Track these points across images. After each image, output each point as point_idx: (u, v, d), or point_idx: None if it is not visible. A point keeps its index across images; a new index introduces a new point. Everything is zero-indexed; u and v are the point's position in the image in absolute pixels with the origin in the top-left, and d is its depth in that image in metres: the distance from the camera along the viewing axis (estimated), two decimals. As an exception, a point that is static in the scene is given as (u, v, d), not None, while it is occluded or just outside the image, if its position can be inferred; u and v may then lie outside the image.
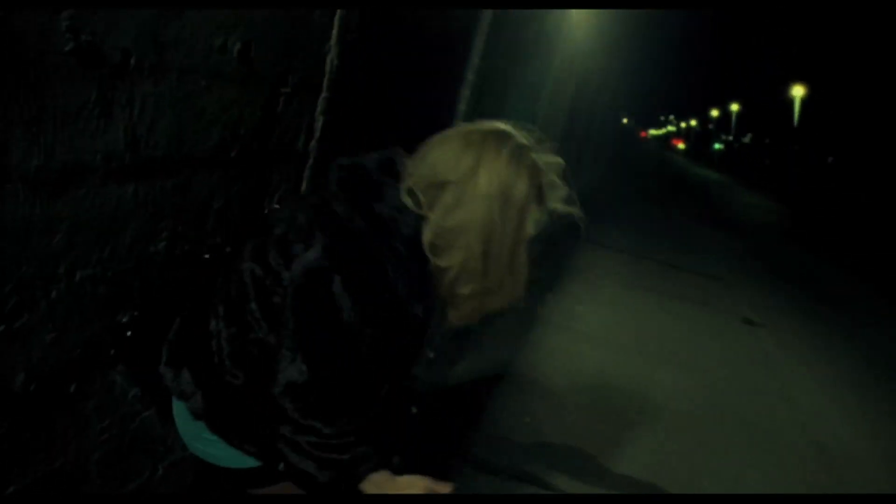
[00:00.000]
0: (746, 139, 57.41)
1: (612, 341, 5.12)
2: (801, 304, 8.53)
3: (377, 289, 1.02)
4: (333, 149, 1.75)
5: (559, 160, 1.22)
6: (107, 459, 1.29)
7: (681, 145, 74.30)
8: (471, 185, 1.11)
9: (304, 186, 1.69)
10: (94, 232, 1.08)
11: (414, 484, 1.12)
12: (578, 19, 5.44)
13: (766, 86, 45.45)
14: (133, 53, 1.05)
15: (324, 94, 1.65)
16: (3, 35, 0.84)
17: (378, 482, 1.11)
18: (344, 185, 1.09)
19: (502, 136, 1.15)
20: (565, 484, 3.02)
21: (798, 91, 37.05)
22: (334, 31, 1.61)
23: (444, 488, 1.15)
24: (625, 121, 28.04)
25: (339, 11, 1.59)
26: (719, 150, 61.16)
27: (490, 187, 1.11)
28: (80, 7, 0.92)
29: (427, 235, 1.08)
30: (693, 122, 77.32)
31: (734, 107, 56.07)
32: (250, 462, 1.15)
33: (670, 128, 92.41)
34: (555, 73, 5.10)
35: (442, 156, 1.14)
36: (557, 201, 1.21)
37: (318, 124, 1.67)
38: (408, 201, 1.08)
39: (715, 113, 64.70)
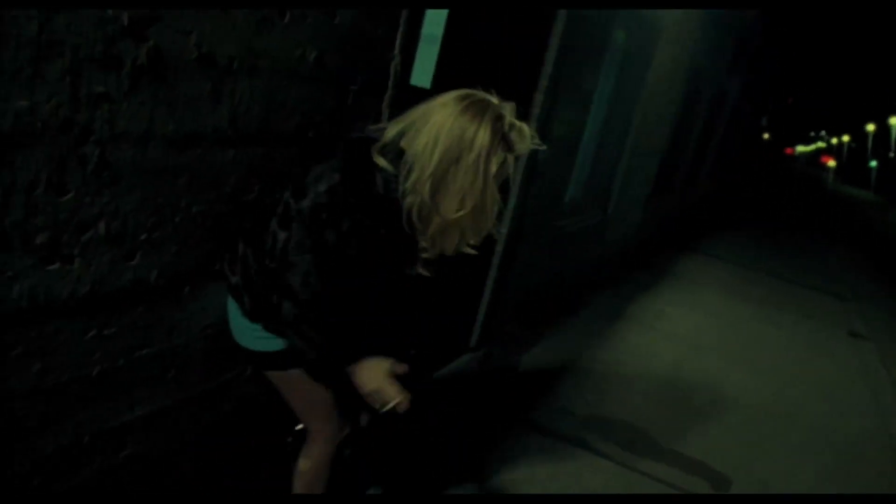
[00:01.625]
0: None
1: (694, 341, 5.28)
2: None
3: (351, 220, 1.45)
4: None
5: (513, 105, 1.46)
6: (207, 350, 1.81)
7: (831, 163, 69.37)
8: (421, 142, 1.40)
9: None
10: (206, 180, 1.60)
11: (374, 370, 1.54)
12: (678, 32, 5.63)
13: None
14: (236, 59, 1.55)
15: (389, 92, 2.11)
16: (156, 53, 1.35)
17: (356, 368, 1.55)
18: (344, 154, 1.48)
19: (465, 97, 1.43)
20: (613, 451, 3.32)
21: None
22: (397, 43, 2.07)
23: (401, 368, 1.56)
24: (766, 136, 26.81)
25: (400, 28, 2.05)
26: (875, 168, 56.67)
27: (442, 142, 1.39)
28: (206, 27, 1.43)
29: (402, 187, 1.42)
30: (846, 138, 72.04)
31: (893, 120, 51.78)
32: (274, 347, 1.63)
33: (820, 144, 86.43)
34: (650, 84, 5.32)
35: (412, 119, 1.46)
36: (524, 144, 1.44)
37: (385, 115, 2.13)
38: (380, 161, 1.45)
39: (871, 127, 59.93)
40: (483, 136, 1.38)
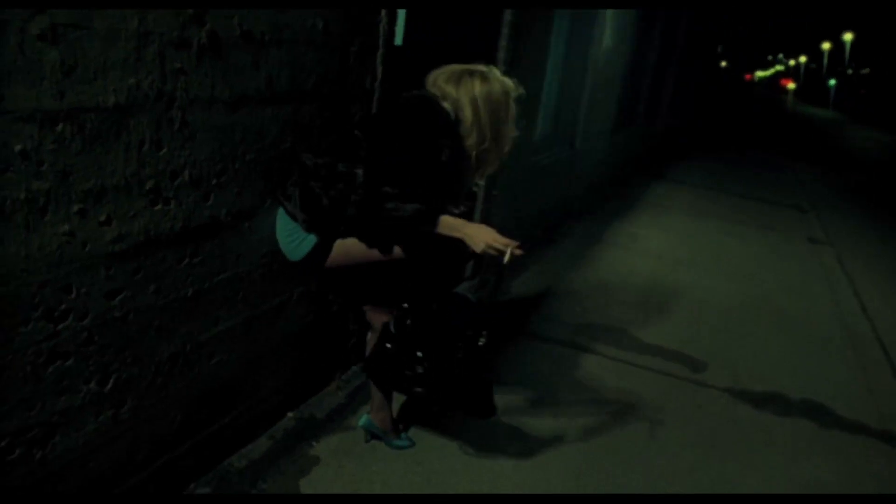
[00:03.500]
0: (865, 71, 53.72)
1: (666, 256, 5.78)
2: (877, 229, 8.69)
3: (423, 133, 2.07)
4: (391, 86, 2.61)
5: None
6: (264, 276, 2.23)
7: (791, 85, 70.07)
8: (472, 101, 2.14)
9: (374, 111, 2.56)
10: (253, 133, 2.00)
11: (482, 229, 2.02)
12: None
13: (884, 9, 42.19)
14: (266, 34, 1.93)
15: (380, 51, 2.50)
16: (213, 34, 1.73)
17: (451, 223, 2.01)
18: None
19: (478, 71, 2.20)
20: (602, 349, 3.81)
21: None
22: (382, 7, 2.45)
23: (508, 242, 2.01)
24: (723, 64, 27.24)
25: (385, -6, 2.44)
26: (834, 86, 57.53)
27: (481, 98, 2.15)
28: (244, 11, 1.81)
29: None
30: (803, 59, 72.87)
31: (847, 36, 52.40)
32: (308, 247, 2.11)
33: (779, 67, 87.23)
34: (603, 22, 5.71)
35: (449, 87, 2.16)
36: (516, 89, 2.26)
37: (379, 71, 2.53)
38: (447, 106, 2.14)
39: (826, 46, 60.64)
40: (503, 89, 2.19)
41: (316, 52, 2.17)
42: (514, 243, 1.99)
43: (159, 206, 1.73)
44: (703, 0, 12.29)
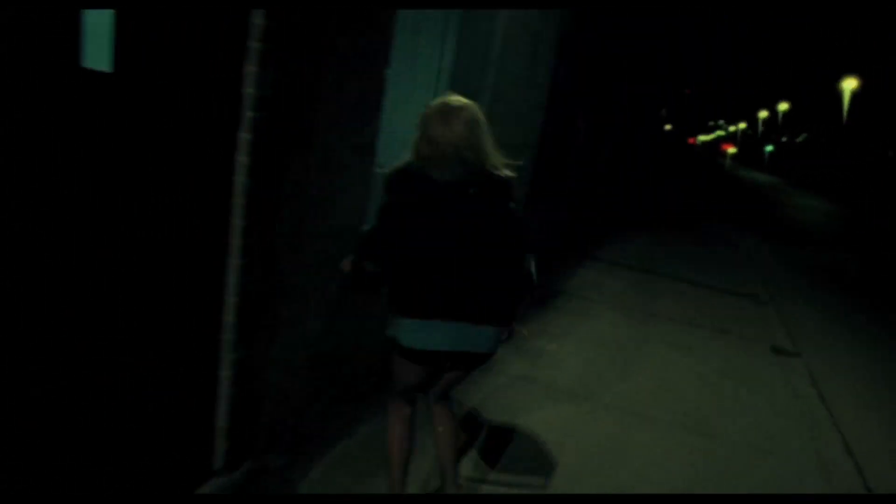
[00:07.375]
0: (801, 139, 54.91)
1: (584, 394, 3.99)
2: (846, 324, 7.13)
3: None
4: None
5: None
6: None
7: (731, 149, 71.68)
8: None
9: None
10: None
11: None
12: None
13: (816, 81, 43.13)
14: None
15: None
16: None
17: None
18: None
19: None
20: None
21: (849, 84, 34.72)
22: None
23: None
24: (668, 127, 26.74)
25: None
26: (770, 152, 58.68)
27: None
28: None
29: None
30: (742, 125, 74.63)
31: (782, 106, 53.68)
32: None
33: (720, 132, 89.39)
34: (495, 60, 4.07)
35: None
36: None
37: None
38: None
39: (763, 114, 62.17)
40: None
41: None
42: None
43: None
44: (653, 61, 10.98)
